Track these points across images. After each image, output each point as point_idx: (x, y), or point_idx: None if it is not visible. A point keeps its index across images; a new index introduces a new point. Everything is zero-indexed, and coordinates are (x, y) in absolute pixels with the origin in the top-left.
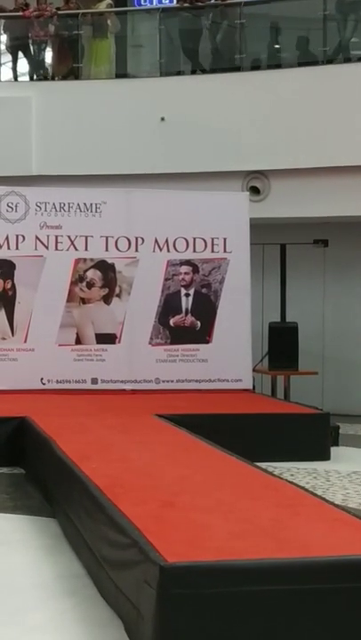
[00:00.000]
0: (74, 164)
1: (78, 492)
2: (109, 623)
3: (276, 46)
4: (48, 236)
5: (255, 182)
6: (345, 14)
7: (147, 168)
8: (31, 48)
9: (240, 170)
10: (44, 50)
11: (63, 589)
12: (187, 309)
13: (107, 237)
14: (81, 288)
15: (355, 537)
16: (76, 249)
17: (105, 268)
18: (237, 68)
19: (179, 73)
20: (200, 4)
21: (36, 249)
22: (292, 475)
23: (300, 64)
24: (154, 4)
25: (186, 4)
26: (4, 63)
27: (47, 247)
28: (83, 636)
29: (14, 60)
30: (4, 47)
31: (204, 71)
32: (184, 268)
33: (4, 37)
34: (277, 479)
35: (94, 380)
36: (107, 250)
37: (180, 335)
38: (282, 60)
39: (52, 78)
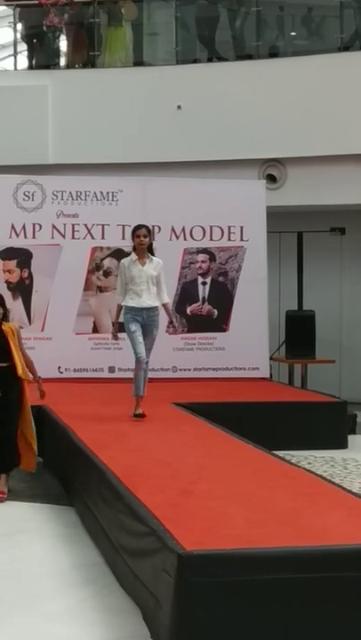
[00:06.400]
0: (90, 152)
1: (96, 480)
2: (127, 611)
3: (293, 34)
4: (65, 225)
5: (272, 170)
6: None
7: (163, 156)
8: (47, 36)
9: (256, 158)
10: (59, 38)
11: (81, 578)
12: (204, 298)
13: (123, 226)
14: (98, 277)
15: None
16: (92, 237)
17: (122, 256)
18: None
19: (195, 61)
20: None
21: (52, 237)
22: (309, 463)
23: (317, 51)
24: None
25: None
26: (19, 52)
27: (64, 236)
28: (101, 624)
29: (30, 49)
30: (19, 36)
31: (220, 59)
32: (201, 257)
33: (20, 26)
34: (295, 467)
35: (111, 369)
36: (123, 238)
37: (197, 324)
38: (298, 48)
39: (68, 67)
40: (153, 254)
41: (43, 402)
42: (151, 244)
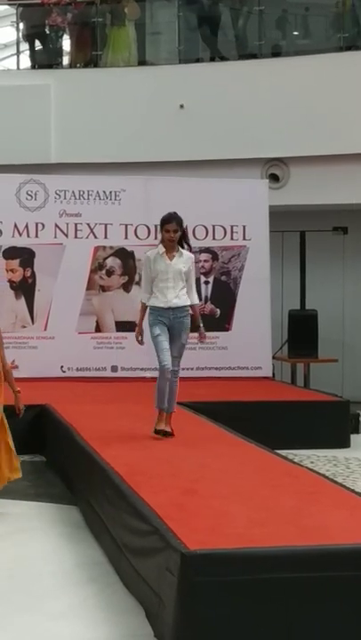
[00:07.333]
0: (93, 151)
1: (99, 479)
2: (130, 610)
3: (295, 33)
4: (67, 224)
5: (274, 169)
6: None
7: (166, 155)
8: (49, 36)
9: (259, 157)
10: (61, 37)
11: (84, 576)
12: (206, 297)
13: (126, 225)
14: (100, 276)
15: None
16: (95, 237)
17: (124, 255)
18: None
19: (198, 60)
20: None
21: (55, 237)
22: (312, 462)
23: (320, 51)
24: None
25: None
26: (22, 51)
27: (67, 235)
28: (104, 623)
29: (32, 48)
30: (21, 35)
31: (222, 58)
32: (203, 256)
33: (22, 25)
34: (298, 467)
35: (114, 368)
36: (126, 237)
37: None
38: (301, 47)
39: (71, 66)
40: (188, 245)
41: (45, 401)
42: (185, 235)
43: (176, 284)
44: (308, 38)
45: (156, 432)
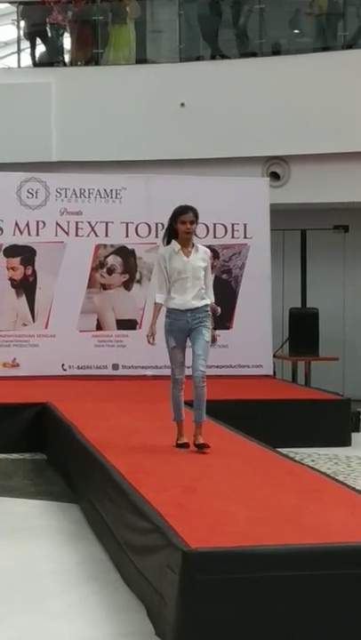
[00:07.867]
0: (94, 150)
1: (100, 477)
2: (132, 608)
3: (296, 31)
4: (68, 222)
5: (275, 168)
6: None
7: (167, 154)
8: (49, 34)
9: (260, 155)
10: (62, 35)
11: (85, 575)
12: None
13: (127, 223)
14: (101, 274)
15: None
16: (96, 235)
17: (125, 253)
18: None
19: (198, 58)
20: None
21: (56, 235)
22: (313, 460)
23: (320, 49)
24: None
25: None
26: (23, 49)
27: (67, 233)
28: (105, 621)
29: (33, 47)
30: (22, 33)
31: (223, 56)
32: None
33: (23, 23)
34: (299, 465)
35: (115, 366)
36: (127, 236)
37: None
38: (302, 45)
39: (72, 64)
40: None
41: (46, 399)
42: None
43: (195, 283)
44: (309, 36)
45: (178, 446)
